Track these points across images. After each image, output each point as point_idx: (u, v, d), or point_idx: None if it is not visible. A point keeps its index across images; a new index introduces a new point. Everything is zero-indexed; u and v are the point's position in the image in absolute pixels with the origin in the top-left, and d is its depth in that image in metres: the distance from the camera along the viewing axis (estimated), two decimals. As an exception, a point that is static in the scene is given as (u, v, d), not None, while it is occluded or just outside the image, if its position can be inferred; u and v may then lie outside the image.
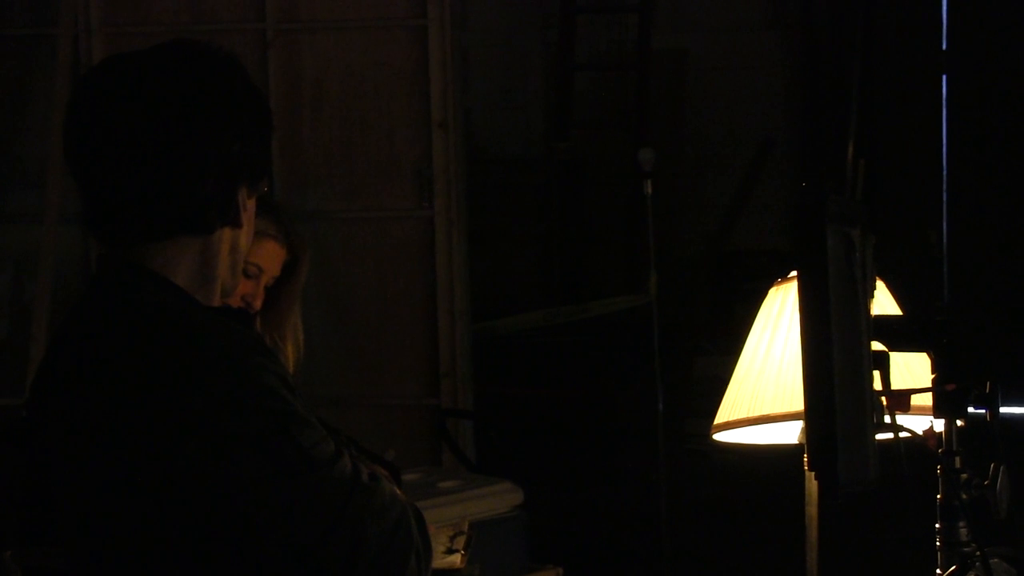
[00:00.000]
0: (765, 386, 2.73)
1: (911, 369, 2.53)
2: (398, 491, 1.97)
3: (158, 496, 1.81)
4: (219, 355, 1.82)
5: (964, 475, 2.13)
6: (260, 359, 1.85)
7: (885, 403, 2.07)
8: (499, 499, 3.72)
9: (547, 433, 6.63)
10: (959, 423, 2.13)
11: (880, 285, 2.69)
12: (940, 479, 2.14)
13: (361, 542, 1.82)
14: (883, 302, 2.75)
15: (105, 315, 1.89)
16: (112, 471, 1.82)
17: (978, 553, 2.12)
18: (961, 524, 2.13)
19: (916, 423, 2.20)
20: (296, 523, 1.80)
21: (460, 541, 2.76)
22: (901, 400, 2.10)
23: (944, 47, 7.76)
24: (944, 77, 7.76)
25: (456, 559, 2.65)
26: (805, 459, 2.22)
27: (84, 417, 1.84)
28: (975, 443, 2.15)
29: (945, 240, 7.65)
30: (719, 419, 2.81)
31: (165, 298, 1.89)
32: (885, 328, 2.13)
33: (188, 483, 1.79)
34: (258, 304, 2.89)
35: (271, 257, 2.92)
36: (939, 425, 2.15)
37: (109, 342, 1.85)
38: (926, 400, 2.14)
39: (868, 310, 2.06)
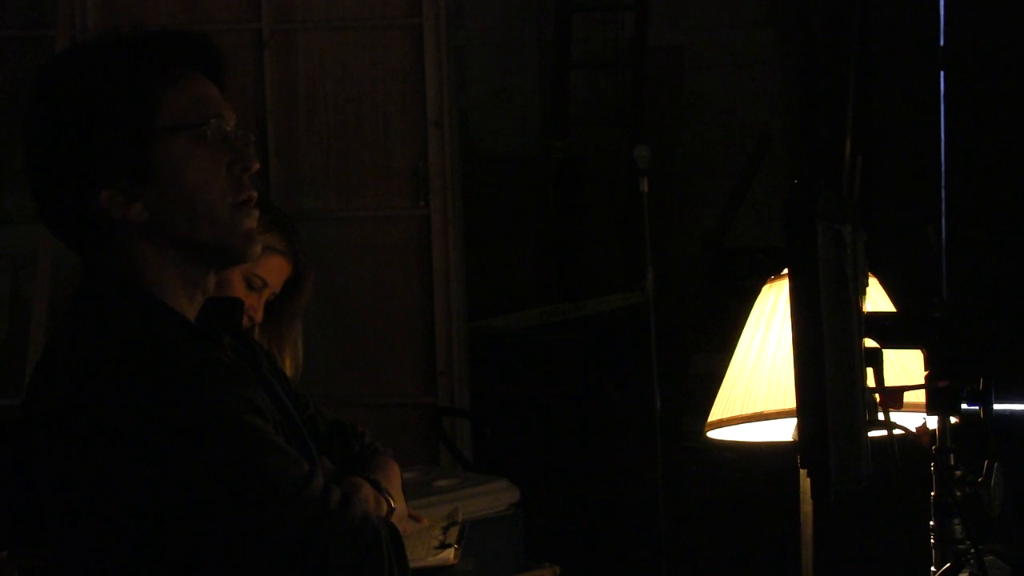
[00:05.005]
0: (758, 383, 2.73)
1: (904, 366, 2.53)
2: (371, 509, 1.97)
3: (120, 515, 1.81)
4: (182, 383, 1.81)
5: (958, 472, 2.13)
6: (225, 385, 1.84)
7: (878, 400, 2.07)
8: (496, 497, 3.72)
9: (544, 431, 6.63)
10: (952, 420, 2.13)
11: (873, 282, 2.70)
12: (934, 476, 2.14)
13: (326, 569, 1.82)
14: (877, 299, 2.75)
15: (80, 334, 1.90)
16: (79, 486, 1.83)
17: (972, 550, 2.12)
18: (955, 521, 2.13)
19: (909, 420, 2.20)
20: (259, 552, 1.80)
21: (453, 533, 2.74)
22: (894, 397, 2.09)
23: (942, 43, 7.76)
24: (942, 73, 7.75)
25: (450, 554, 2.63)
26: (798, 456, 2.22)
27: (58, 428, 1.85)
28: (969, 440, 2.15)
29: (943, 236, 7.65)
30: (713, 416, 2.82)
31: (136, 317, 1.89)
32: (878, 325, 2.13)
33: (151, 509, 1.80)
34: (259, 317, 2.91)
35: (276, 272, 2.93)
36: (932, 422, 2.15)
37: (80, 364, 1.86)
38: (919, 397, 2.14)
39: (860, 307, 2.06)
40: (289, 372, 3.01)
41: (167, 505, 1.79)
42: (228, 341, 2.02)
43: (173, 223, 1.91)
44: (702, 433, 2.90)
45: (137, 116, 1.89)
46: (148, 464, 1.78)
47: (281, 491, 1.80)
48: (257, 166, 1.97)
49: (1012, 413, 6.38)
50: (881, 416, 2.07)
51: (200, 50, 1.97)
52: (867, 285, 2.11)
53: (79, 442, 1.82)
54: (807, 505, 2.86)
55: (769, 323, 2.80)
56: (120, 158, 1.89)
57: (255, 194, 1.98)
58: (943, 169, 7.75)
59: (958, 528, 2.13)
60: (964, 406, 2.11)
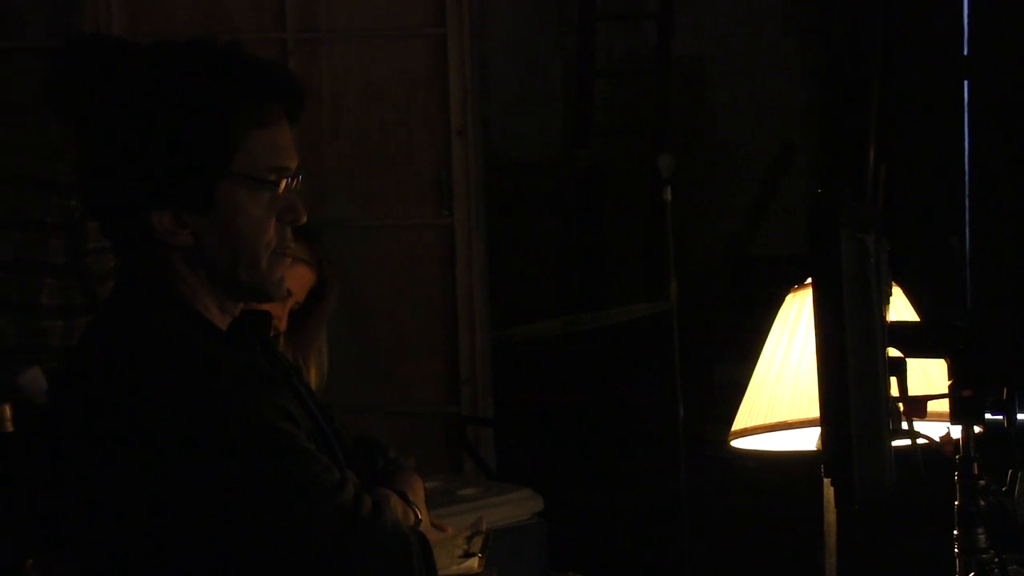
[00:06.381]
0: (782, 393, 2.73)
1: (928, 375, 2.53)
2: (401, 518, 1.98)
3: (152, 520, 1.82)
4: (215, 388, 1.82)
5: (982, 482, 2.12)
6: (258, 391, 1.85)
7: (902, 409, 2.07)
8: (519, 506, 3.73)
9: (567, 440, 6.63)
10: (976, 429, 2.13)
11: (897, 291, 2.69)
12: (958, 486, 2.13)
13: None
14: (900, 308, 2.75)
15: (114, 339, 1.91)
16: (110, 489, 1.83)
17: (996, 560, 2.11)
18: (979, 531, 2.12)
19: (933, 429, 2.20)
20: (290, 559, 1.81)
21: (477, 542, 2.75)
22: (918, 406, 2.09)
23: (965, 52, 7.74)
24: (965, 82, 7.73)
25: (474, 563, 2.64)
26: (822, 465, 2.22)
27: (89, 431, 1.85)
28: (993, 449, 2.15)
29: (968, 245, 7.63)
30: (737, 425, 2.82)
31: (170, 323, 1.89)
32: (901, 334, 2.13)
33: (183, 514, 1.81)
34: (283, 326, 2.92)
35: (300, 281, 2.95)
36: (956, 431, 2.15)
37: (113, 368, 1.87)
38: (943, 406, 2.13)
39: (884, 316, 2.06)
40: (314, 380, 3.02)
41: (199, 510, 1.80)
42: (259, 350, 2.03)
43: (215, 257, 1.93)
44: (726, 442, 2.89)
45: (215, 155, 1.89)
46: (181, 469, 1.79)
47: (313, 498, 1.81)
48: (304, 219, 2.00)
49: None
50: (905, 425, 2.07)
51: (289, 90, 1.96)
52: (891, 294, 2.11)
53: (111, 445, 1.82)
54: (831, 514, 2.85)
55: (793, 332, 2.80)
56: (183, 188, 1.89)
57: (292, 244, 2.01)
58: (967, 178, 7.73)
59: (982, 538, 2.12)
60: (988, 415, 2.11)
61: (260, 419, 1.82)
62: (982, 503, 2.11)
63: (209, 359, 1.86)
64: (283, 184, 1.96)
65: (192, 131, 1.87)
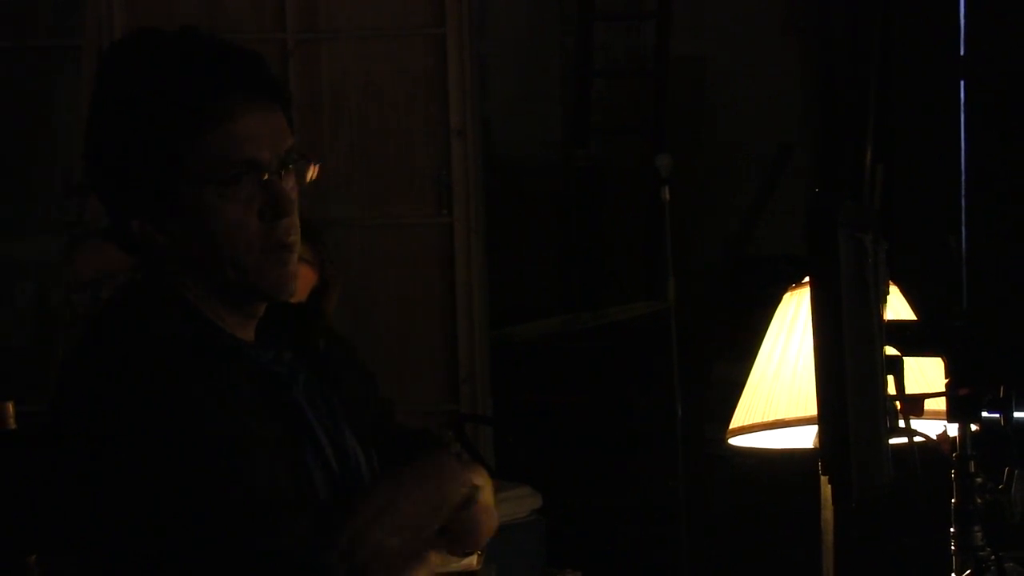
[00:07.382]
0: (780, 391, 2.75)
1: (925, 373, 2.55)
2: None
3: (133, 522, 1.81)
4: (188, 402, 1.80)
5: (978, 479, 2.14)
6: (211, 407, 1.81)
7: (899, 408, 2.09)
8: (518, 504, 3.74)
9: (565, 438, 6.63)
10: (973, 427, 2.14)
11: (894, 290, 2.71)
12: (955, 484, 2.15)
13: None
14: (898, 307, 2.77)
15: (107, 339, 1.90)
16: (97, 491, 1.83)
17: (993, 557, 2.13)
18: (976, 528, 2.14)
19: (930, 427, 2.22)
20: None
21: (475, 540, 2.76)
22: (915, 404, 2.11)
23: (962, 52, 7.75)
24: (962, 82, 7.74)
25: (472, 560, 2.65)
26: (819, 463, 2.23)
27: (79, 435, 1.85)
28: (989, 447, 2.16)
29: (965, 245, 7.63)
30: (735, 423, 2.83)
31: (161, 328, 1.87)
32: (899, 333, 2.14)
33: (148, 519, 1.79)
34: None
35: (302, 281, 2.94)
36: (953, 430, 2.16)
37: (105, 369, 1.85)
38: (940, 404, 2.15)
39: (881, 315, 2.07)
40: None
41: (159, 515, 1.78)
42: (259, 353, 1.99)
43: (199, 261, 1.90)
44: (723, 440, 2.91)
45: (158, 160, 1.85)
46: (142, 474, 1.78)
47: (244, 534, 1.76)
48: (290, 214, 1.92)
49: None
50: (902, 424, 2.08)
51: (249, 79, 1.91)
52: (888, 293, 2.12)
53: (99, 446, 1.82)
54: (828, 512, 2.87)
55: (790, 331, 2.81)
56: (149, 192, 1.87)
57: (291, 239, 1.93)
58: (964, 177, 7.73)
59: (979, 535, 2.14)
60: (985, 413, 2.12)
61: (219, 440, 1.78)
62: (979, 501, 2.12)
63: (184, 371, 1.82)
64: (247, 181, 1.88)
65: (134, 136, 1.86)
